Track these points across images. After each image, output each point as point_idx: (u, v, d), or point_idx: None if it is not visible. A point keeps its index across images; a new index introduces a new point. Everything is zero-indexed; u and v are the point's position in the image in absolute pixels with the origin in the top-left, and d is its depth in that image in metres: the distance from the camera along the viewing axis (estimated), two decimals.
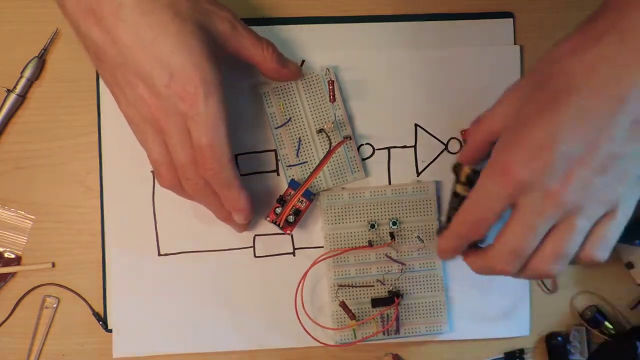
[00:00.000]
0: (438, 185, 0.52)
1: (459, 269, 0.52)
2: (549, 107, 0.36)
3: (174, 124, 0.41)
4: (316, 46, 0.52)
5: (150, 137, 0.42)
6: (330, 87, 0.50)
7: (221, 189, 0.44)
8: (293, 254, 0.52)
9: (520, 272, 0.40)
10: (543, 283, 0.52)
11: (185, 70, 0.40)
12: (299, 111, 0.51)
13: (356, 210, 0.51)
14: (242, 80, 0.51)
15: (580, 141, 0.35)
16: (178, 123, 0.41)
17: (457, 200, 0.46)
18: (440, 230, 0.44)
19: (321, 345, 0.50)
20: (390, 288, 0.51)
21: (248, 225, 0.49)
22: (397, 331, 0.51)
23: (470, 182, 0.45)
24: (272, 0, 0.52)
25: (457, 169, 0.48)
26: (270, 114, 0.51)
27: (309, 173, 0.50)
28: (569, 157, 0.35)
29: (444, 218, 0.51)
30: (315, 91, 0.51)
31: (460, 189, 0.46)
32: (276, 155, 0.52)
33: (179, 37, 0.39)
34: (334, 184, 0.51)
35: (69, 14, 0.41)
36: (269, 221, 0.50)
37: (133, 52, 0.39)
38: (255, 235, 0.52)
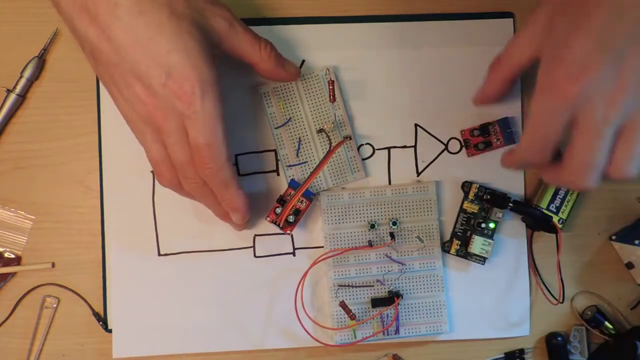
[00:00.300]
0: (438, 185, 0.52)
1: (459, 269, 0.52)
2: (584, 15, 0.36)
3: (171, 123, 0.41)
4: (316, 46, 0.52)
5: (149, 136, 0.42)
6: (330, 87, 0.50)
7: (218, 188, 0.44)
8: (293, 254, 0.52)
9: (601, 181, 0.39)
10: (551, 294, 0.52)
11: (182, 69, 0.39)
12: (299, 111, 0.51)
13: (356, 210, 0.51)
14: (242, 80, 0.51)
15: (624, 36, 0.35)
16: (175, 122, 0.41)
17: (466, 217, 0.48)
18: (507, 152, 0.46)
19: (321, 345, 0.50)
20: (390, 288, 0.51)
21: (247, 224, 0.49)
22: (397, 331, 0.51)
23: (479, 199, 0.47)
24: (272, 0, 0.52)
25: (465, 186, 0.50)
26: (270, 114, 0.51)
27: (309, 173, 0.50)
28: (617, 57, 0.35)
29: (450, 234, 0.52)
30: (315, 91, 0.51)
31: (468, 206, 0.48)
32: (276, 155, 0.52)
33: (175, 36, 0.39)
34: (334, 184, 0.51)
35: (63, 12, 0.41)
36: (269, 221, 0.50)
37: (129, 51, 0.39)
38: (255, 235, 0.52)
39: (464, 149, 0.52)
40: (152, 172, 0.51)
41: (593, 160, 0.38)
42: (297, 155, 0.51)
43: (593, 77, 0.36)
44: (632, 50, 0.35)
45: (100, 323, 0.51)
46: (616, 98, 0.36)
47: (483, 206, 0.51)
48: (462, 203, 0.52)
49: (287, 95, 0.51)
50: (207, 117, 0.40)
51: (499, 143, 0.51)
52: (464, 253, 0.51)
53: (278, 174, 0.52)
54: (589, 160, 0.38)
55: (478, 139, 0.51)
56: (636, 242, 0.50)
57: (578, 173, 0.39)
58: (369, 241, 0.51)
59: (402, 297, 0.51)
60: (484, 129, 0.51)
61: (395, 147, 0.52)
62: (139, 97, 0.40)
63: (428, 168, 0.52)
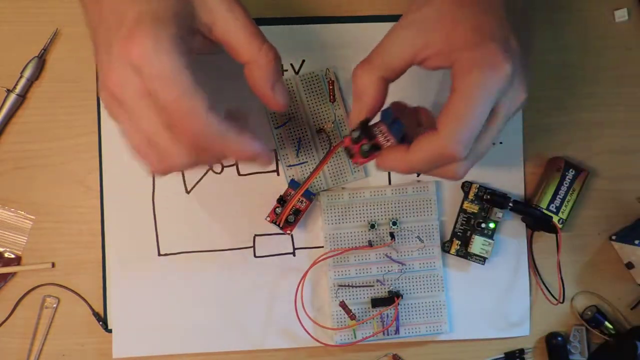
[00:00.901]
0: (438, 185, 0.52)
1: (459, 269, 0.52)
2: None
3: (130, 89, 0.35)
4: (316, 46, 0.52)
5: (122, 118, 0.37)
6: (330, 87, 0.50)
7: (216, 146, 0.36)
8: (293, 254, 0.52)
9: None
10: (551, 294, 0.52)
11: (138, 23, 0.34)
12: (299, 111, 0.51)
13: (356, 210, 0.51)
14: (242, 80, 0.51)
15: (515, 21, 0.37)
16: (136, 88, 0.35)
17: (466, 217, 0.48)
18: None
19: (321, 345, 0.50)
20: (390, 288, 0.51)
21: (271, 160, 0.41)
22: (397, 331, 0.51)
23: (479, 199, 0.46)
24: (272, 0, 0.52)
25: (465, 186, 0.50)
26: (270, 114, 0.51)
27: (309, 173, 0.50)
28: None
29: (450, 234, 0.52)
30: (315, 91, 0.51)
31: (468, 206, 0.48)
32: (276, 155, 0.52)
33: None
34: (334, 184, 0.51)
35: None
36: (269, 221, 0.50)
37: (104, 7, 0.36)
38: (255, 235, 0.52)
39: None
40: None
41: (489, 145, 0.38)
42: (297, 155, 0.51)
43: (515, 61, 0.36)
44: (515, 35, 0.37)
45: (100, 323, 0.51)
46: (524, 82, 0.38)
47: (483, 206, 0.51)
48: (462, 203, 0.52)
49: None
50: (168, 68, 0.34)
51: (389, 144, 0.40)
52: (464, 253, 0.51)
53: (278, 174, 0.52)
54: (489, 145, 0.38)
55: (361, 142, 0.40)
56: (636, 242, 0.50)
57: (478, 158, 0.38)
58: (369, 241, 0.51)
59: (402, 297, 0.51)
60: (366, 130, 0.40)
61: None
62: (103, 67, 0.36)
63: None
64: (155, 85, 0.34)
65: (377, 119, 0.40)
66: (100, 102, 0.51)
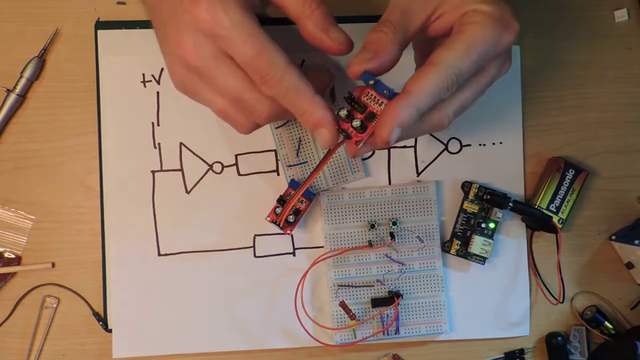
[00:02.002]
0: (438, 185, 0.52)
1: (459, 269, 0.52)
2: None
3: (206, 53, 0.36)
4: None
5: (201, 87, 0.38)
6: (331, 87, 0.50)
7: (290, 99, 0.37)
8: (293, 254, 0.52)
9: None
10: (551, 294, 0.52)
11: None
12: None
13: (356, 210, 0.51)
14: None
15: None
16: (211, 50, 0.36)
17: (466, 217, 0.47)
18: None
19: (321, 345, 0.50)
20: (390, 288, 0.51)
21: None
22: (397, 331, 0.51)
23: (479, 199, 0.46)
24: None
25: (465, 186, 0.49)
26: None
27: (309, 173, 0.50)
28: None
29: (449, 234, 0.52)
30: None
31: (468, 206, 0.48)
32: (276, 155, 0.52)
33: None
34: (334, 184, 0.51)
35: None
36: (269, 221, 0.50)
37: None
38: (255, 235, 0.52)
39: (463, 148, 0.52)
40: (152, 172, 0.51)
41: (472, 100, 0.40)
42: (297, 155, 0.51)
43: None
44: None
45: (100, 323, 0.51)
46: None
47: (483, 206, 0.51)
48: (462, 203, 0.52)
49: None
50: (243, 27, 0.35)
51: (383, 107, 0.37)
52: (464, 253, 0.51)
53: (278, 174, 0.52)
54: (472, 100, 0.40)
55: (357, 117, 0.38)
56: (636, 242, 0.50)
57: (463, 108, 0.39)
58: (369, 241, 0.51)
59: (402, 297, 0.51)
60: (353, 103, 0.38)
61: (395, 147, 0.52)
62: (171, 41, 0.37)
63: (428, 168, 0.52)
64: (232, 44, 0.35)
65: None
66: (101, 105, 0.51)
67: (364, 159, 0.52)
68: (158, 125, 0.51)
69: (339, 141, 0.39)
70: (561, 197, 0.51)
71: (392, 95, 0.37)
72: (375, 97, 0.37)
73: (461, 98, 0.38)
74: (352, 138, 0.38)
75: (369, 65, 0.37)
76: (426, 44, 0.42)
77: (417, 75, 0.36)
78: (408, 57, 0.42)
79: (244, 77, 0.37)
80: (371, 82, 0.37)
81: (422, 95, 0.36)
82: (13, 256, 0.51)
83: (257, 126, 0.41)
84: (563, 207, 0.51)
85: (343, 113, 0.38)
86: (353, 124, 0.38)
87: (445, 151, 0.53)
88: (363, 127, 0.38)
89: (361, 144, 0.38)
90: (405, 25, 0.38)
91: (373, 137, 0.37)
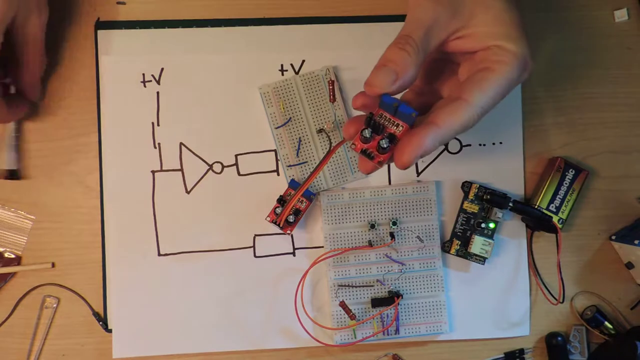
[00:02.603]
0: (438, 185, 0.52)
1: (459, 269, 0.52)
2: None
3: None
4: (316, 46, 0.52)
5: None
6: (330, 87, 0.50)
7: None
8: (293, 254, 0.52)
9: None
10: (551, 294, 0.52)
11: None
12: (299, 111, 0.51)
13: (356, 210, 0.51)
14: (242, 79, 0.51)
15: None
16: None
17: (466, 217, 0.47)
18: None
19: (321, 345, 0.50)
20: (390, 288, 0.51)
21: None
22: (397, 331, 0.51)
23: (479, 199, 0.46)
24: (272, 0, 0.52)
25: (465, 186, 0.50)
26: (270, 114, 0.51)
27: (309, 173, 0.50)
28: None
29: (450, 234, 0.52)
30: (315, 91, 0.51)
31: (468, 206, 0.47)
32: (276, 155, 0.52)
33: None
34: (334, 184, 0.51)
35: None
36: (269, 221, 0.50)
37: None
38: (255, 235, 0.52)
39: (463, 148, 0.52)
40: (152, 172, 0.51)
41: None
42: (297, 155, 0.51)
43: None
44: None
45: (100, 323, 0.51)
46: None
47: (483, 206, 0.51)
48: (462, 203, 0.52)
49: (287, 95, 0.51)
50: None
51: (401, 129, 0.37)
52: (464, 253, 0.51)
53: (278, 174, 0.52)
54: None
55: (376, 140, 0.37)
56: (636, 242, 0.50)
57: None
58: (369, 241, 0.51)
59: (402, 297, 0.51)
60: (374, 124, 0.37)
61: None
62: None
63: (428, 168, 0.52)
64: None
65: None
66: (101, 105, 0.51)
67: None
68: (158, 125, 0.51)
69: (338, 142, 0.39)
70: (561, 197, 0.51)
71: (412, 121, 0.36)
72: (389, 119, 0.37)
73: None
74: (374, 159, 0.37)
75: (392, 88, 0.36)
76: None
77: (449, 109, 0.36)
78: None
79: None
80: (395, 104, 0.36)
81: (449, 131, 0.36)
82: (13, 256, 0.51)
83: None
84: (563, 207, 0.51)
85: (367, 133, 0.37)
86: (381, 143, 0.37)
87: (445, 151, 0.53)
88: (385, 149, 0.37)
89: (383, 164, 0.38)
90: (427, 44, 0.37)
91: (394, 157, 0.37)
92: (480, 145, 0.53)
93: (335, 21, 0.52)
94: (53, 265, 0.51)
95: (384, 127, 0.37)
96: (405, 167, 0.36)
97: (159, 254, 0.51)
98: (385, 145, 0.36)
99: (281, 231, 0.50)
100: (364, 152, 0.38)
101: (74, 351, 0.51)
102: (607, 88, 0.53)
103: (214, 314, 0.51)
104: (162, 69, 0.51)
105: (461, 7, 0.37)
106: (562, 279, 0.51)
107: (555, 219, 0.51)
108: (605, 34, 0.53)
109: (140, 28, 0.51)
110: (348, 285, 0.51)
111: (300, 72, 0.51)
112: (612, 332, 0.52)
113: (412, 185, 0.51)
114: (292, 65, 0.52)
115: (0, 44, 0.43)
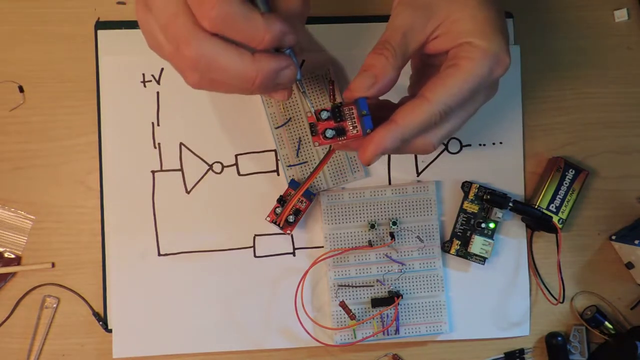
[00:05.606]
0: (438, 185, 0.52)
1: (459, 269, 0.52)
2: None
3: None
4: (316, 46, 0.52)
5: (148, 35, 0.37)
6: (330, 87, 0.50)
7: (233, 24, 0.33)
8: (293, 254, 0.52)
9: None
10: (551, 294, 0.52)
11: None
12: (299, 111, 0.51)
13: (356, 210, 0.51)
14: None
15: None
16: None
17: (466, 217, 0.47)
18: None
19: (321, 345, 0.50)
20: (390, 288, 0.51)
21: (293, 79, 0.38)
22: (397, 331, 0.51)
23: (479, 199, 0.46)
24: None
25: (465, 186, 0.50)
26: (270, 114, 0.51)
27: (309, 173, 0.50)
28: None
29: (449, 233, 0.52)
30: (315, 91, 0.51)
31: (468, 206, 0.47)
32: (276, 155, 0.52)
33: None
34: (334, 184, 0.51)
35: None
36: (269, 221, 0.50)
37: None
38: (255, 235, 0.52)
39: (463, 148, 0.52)
40: (152, 172, 0.51)
41: (460, 126, 0.40)
42: (297, 155, 0.51)
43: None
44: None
45: (100, 323, 0.51)
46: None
47: (483, 206, 0.51)
48: (462, 203, 0.52)
49: None
50: None
51: (355, 132, 0.39)
52: (464, 253, 0.51)
53: (278, 174, 0.52)
54: (461, 125, 0.40)
55: (327, 124, 0.39)
56: (636, 242, 0.50)
57: (449, 134, 0.40)
58: (369, 241, 0.51)
59: (402, 297, 0.51)
60: (337, 111, 0.39)
61: None
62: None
63: (428, 168, 0.52)
64: None
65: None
66: (101, 105, 0.51)
67: None
68: (158, 125, 0.51)
69: (334, 147, 0.40)
70: (561, 197, 0.51)
71: (365, 134, 0.38)
72: (353, 117, 0.39)
73: (447, 127, 0.39)
74: (315, 136, 0.39)
75: (369, 92, 0.38)
76: (420, 55, 0.42)
77: (407, 107, 0.37)
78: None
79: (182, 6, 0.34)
80: (363, 112, 0.38)
81: (408, 128, 0.37)
82: (13, 256, 0.51)
83: (208, 83, 0.36)
84: (563, 207, 0.51)
85: (324, 114, 0.39)
86: (327, 133, 0.39)
87: (445, 151, 0.53)
88: (327, 137, 0.39)
89: (316, 145, 0.40)
90: (406, 47, 0.38)
91: (358, 154, 0.39)
92: (480, 145, 0.53)
93: (335, 21, 0.52)
94: (53, 265, 0.51)
95: (342, 119, 0.39)
96: (368, 164, 0.38)
97: (159, 254, 0.51)
98: (329, 135, 0.39)
99: (281, 231, 0.50)
100: (311, 125, 0.39)
101: (74, 351, 0.51)
102: (607, 88, 0.53)
103: (214, 314, 0.51)
104: (162, 69, 0.51)
105: (437, 8, 0.38)
106: (562, 279, 0.51)
107: (555, 219, 0.51)
108: (605, 34, 0.53)
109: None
110: (348, 285, 0.51)
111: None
112: (612, 332, 0.52)
113: (412, 185, 0.51)
114: None
115: None
